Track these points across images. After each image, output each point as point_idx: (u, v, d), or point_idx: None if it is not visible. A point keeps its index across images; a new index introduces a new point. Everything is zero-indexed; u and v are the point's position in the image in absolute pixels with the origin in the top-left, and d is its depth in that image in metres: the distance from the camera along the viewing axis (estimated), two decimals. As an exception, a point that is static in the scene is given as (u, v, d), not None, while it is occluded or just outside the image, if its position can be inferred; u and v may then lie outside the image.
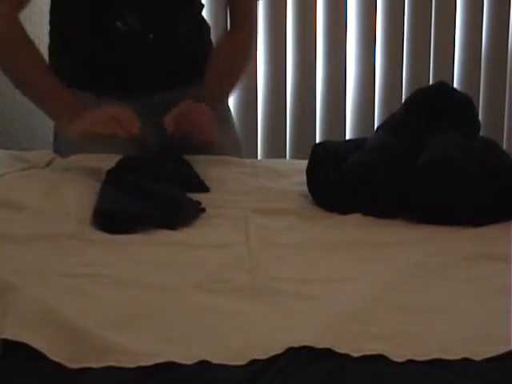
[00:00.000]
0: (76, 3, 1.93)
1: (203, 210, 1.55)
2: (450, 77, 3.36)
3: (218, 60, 2.01)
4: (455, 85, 3.35)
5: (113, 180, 1.62)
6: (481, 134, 1.68)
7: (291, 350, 1.02)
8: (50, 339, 1.04)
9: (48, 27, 2.03)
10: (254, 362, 1.01)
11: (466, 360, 1.01)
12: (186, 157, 1.82)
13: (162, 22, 1.95)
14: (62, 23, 2.00)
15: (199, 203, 1.57)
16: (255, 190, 1.69)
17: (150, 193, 1.54)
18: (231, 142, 1.89)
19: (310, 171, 1.63)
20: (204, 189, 1.68)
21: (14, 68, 1.89)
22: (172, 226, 1.47)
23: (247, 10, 2.05)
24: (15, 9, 1.88)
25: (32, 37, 1.89)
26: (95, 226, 1.46)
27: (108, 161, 1.75)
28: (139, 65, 1.97)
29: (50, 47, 2.05)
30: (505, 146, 3.37)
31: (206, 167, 1.80)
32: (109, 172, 1.67)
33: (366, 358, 1.01)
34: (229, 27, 2.07)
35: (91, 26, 1.93)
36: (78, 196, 1.61)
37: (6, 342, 1.03)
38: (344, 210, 1.55)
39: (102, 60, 1.96)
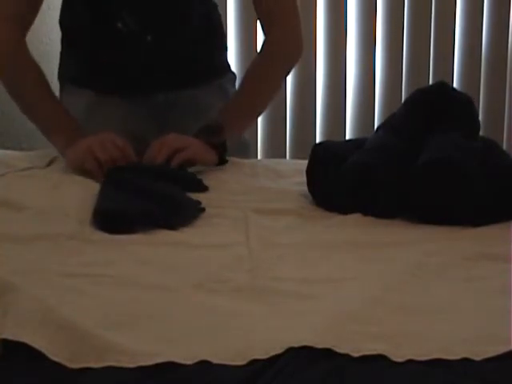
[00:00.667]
0: (78, 3, 1.93)
1: (203, 209, 1.55)
2: (450, 77, 3.36)
3: (250, 69, 1.95)
4: (455, 85, 3.35)
5: (113, 180, 1.62)
6: (481, 133, 1.68)
7: (291, 350, 1.01)
8: (50, 339, 1.03)
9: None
10: (254, 361, 1.00)
11: (466, 360, 1.01)
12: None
13: (161, 23, 1.95)
14: (66, 23, 2.01)
15: (199, 203, 1.57)
16: (255, 190, 1.69)
17: (150, 193, 1.54)
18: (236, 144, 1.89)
19: (310, 171, 1.63)
20: (202, 188, 1.67)
21: (19, 92, 1.90)
22: (172, 226, 1.47)
23: (277, 5, 1.90)
24: (21, 33, 1.89)
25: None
26: (95, 226, 1.46)
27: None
28: (139, 65, 1.97)
29: (61, 47, 2.07)
30: (505, 146, 3.37)
31: (206, 167, 1.80)
32: (109, 172, 1.67)
33: (366, 358, 1.01)
34: (262, 33, 1.95)
35: (92, 26, 1.94)
36: (78, 196, 1.61)
37: (6, 341, 1.03)
38: (344, 210, 1.54)
39: (102, 60, 1.97)
